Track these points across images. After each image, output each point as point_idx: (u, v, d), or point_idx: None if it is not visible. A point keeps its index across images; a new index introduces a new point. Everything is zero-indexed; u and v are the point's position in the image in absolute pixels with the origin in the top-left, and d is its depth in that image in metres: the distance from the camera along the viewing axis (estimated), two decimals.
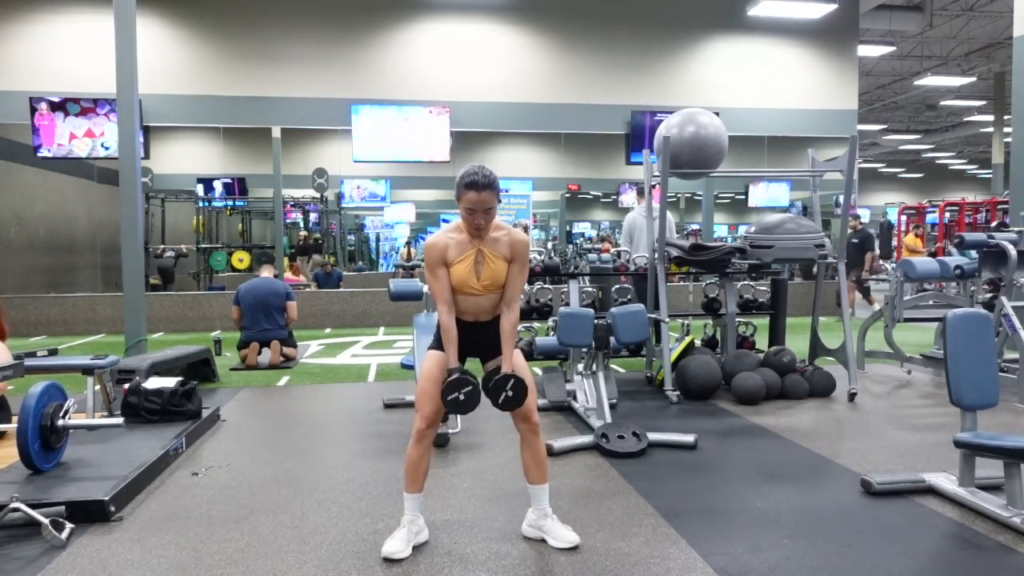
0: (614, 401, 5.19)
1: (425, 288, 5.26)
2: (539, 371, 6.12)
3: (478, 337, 2.96)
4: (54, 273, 11.96)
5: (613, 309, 4.76)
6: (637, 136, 11.00)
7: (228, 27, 10.53)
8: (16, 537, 3.03)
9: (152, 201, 13.39)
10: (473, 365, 3.02)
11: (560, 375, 5.53)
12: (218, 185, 13.87)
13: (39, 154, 10.13)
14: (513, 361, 2.89)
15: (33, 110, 9.83)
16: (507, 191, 14.33)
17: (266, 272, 7.76)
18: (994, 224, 13.81)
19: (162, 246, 13.65)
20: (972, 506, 3.26)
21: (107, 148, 9.92)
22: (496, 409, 2.87)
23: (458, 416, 4.74)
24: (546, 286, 6.56)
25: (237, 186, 13.72)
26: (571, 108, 11.19)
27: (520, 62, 11.10)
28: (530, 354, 5.84)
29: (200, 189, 13.79)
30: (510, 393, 2.81)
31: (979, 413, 3.35)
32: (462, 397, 2.78)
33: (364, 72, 10.75)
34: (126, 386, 4.69)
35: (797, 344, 6.57)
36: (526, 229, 10.18)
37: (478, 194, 2.75)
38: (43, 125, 9.96)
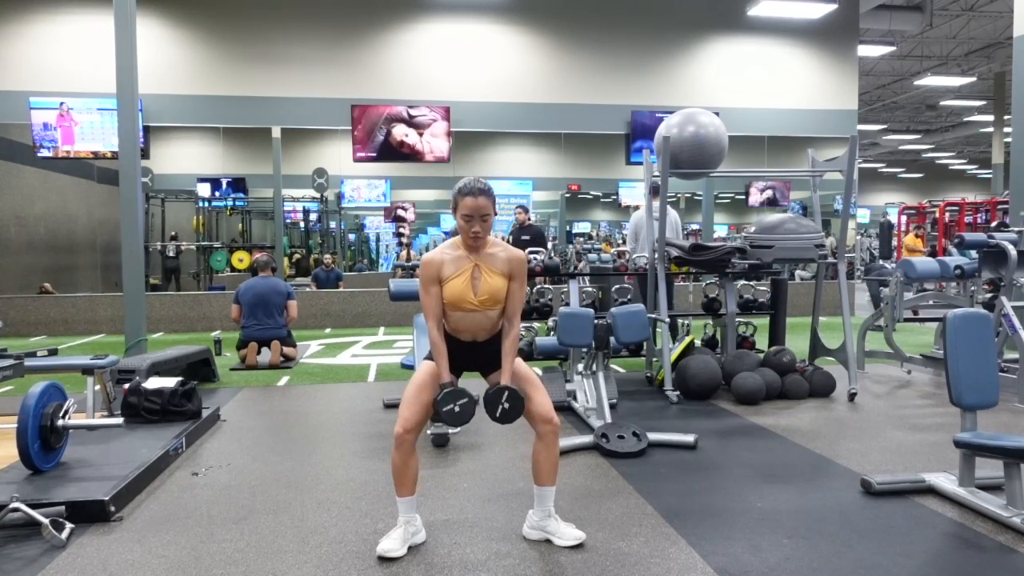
0: (614, 401, 5.20)
1: None
2: (539, 371, 6.12)
3: (476, 356, 2.99)
4: (54, 273, 11.94)
5: (613, 309, 4.77)
6: (636, 133, 11.02)
7: (228, 27, 10.53)
8: (16, 537, 3.03)
9: (152, 201, 13.37)
10: (474, 377, 3.03)
11: (560, 375, 5.53)
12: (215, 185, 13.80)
13: (39, 154, 10.14)
14: (516, 371, 2.91)
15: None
16: (501, 193, 14.35)
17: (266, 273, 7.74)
18: (994, 224, 13.80)
19: (161, 243, 13.63)
20: (972, 506, 3.26)
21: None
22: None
23: None
24: (546, 286, 6.56)
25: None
26: (571, 108, 11.19)
27: (520, 62, 11.11)
28: (530, 354, 5.84)
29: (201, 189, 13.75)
30: (506, 405, 2.82)
31: (979, 413, 3.35)
32: (457, 408, 2.80)
33: (364, 72, 10.76)
34: (126, 386, 4.69)
35: (797, 344, 6.58)
36: (525, 211, 10.08)
37: (475, 199, 2.84)
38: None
